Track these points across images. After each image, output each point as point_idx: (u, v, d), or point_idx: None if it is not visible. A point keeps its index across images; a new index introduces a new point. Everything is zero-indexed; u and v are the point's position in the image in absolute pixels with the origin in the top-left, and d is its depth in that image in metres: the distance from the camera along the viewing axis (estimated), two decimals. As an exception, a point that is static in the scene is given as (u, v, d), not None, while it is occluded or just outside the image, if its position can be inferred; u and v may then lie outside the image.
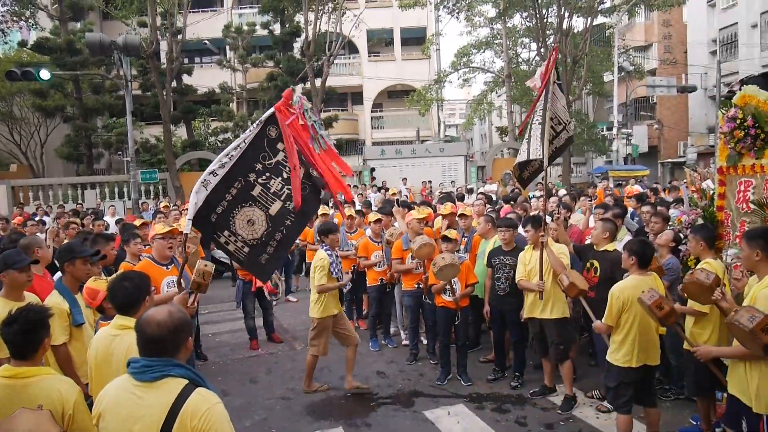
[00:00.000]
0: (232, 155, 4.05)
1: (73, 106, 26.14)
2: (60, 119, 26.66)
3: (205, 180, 4.01)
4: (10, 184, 20.31)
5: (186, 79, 27.47)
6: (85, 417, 2.78)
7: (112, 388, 2.35)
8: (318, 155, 4.10)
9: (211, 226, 4.13)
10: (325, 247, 6.22)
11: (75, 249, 4.25)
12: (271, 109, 4.06)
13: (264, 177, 4.13)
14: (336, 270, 6.11)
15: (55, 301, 3.88)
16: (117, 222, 11.50)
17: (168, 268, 5.19)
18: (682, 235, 5.67)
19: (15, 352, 2.78)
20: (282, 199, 4.15)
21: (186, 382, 2.26)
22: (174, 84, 24.85)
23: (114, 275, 3.80)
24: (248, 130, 4.14)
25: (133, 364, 2.29)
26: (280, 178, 4.14)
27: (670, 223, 6.28)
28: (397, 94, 36.94)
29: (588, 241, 6.55)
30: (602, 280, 5.38)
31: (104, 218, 12.13)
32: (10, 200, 19.73)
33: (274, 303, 10.18)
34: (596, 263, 5.64)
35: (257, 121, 4.12)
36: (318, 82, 21.56)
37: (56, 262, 4.31)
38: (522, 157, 6.52)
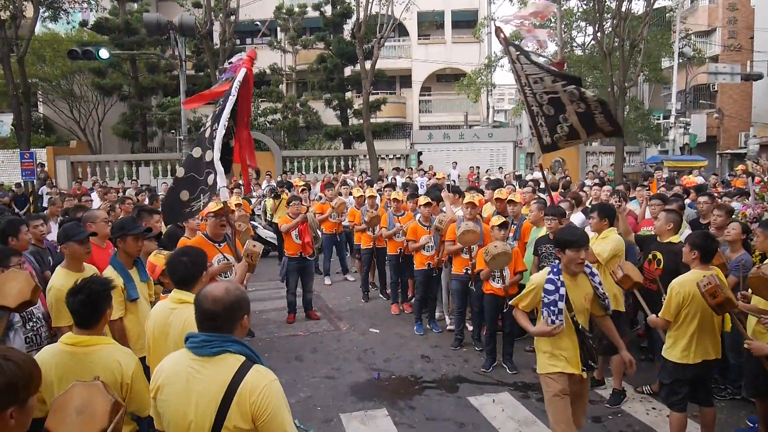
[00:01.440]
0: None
1: (130, 85, 26.90)
2: (117, 98, 27.49)
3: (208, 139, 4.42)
4: (69, 159, 21.09)
5: (238, 59, 27.76)
6: (142, 387, 2.86)
7: (170, 362, 2.38)
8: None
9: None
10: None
11: (126, 226, 4.35)
12: (244, 70, 4.66)
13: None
14: None
15: (109, 276, 3.99)
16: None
17: (220, 245, 5.28)
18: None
19: (79, 321, 2.88)
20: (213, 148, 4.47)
21: (243, 358, 2.28)
22: (226, 64, 25.13)
23: (173, 251, 3.87)
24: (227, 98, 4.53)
25: (191, 338, 2.32)
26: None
27: (733, 216, 6.02)
28: (446, 78, 36.55)
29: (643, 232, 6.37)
30: (666, 273, 5.15)
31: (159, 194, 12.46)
32: (69, 175, 20.50)
33: (328, 282, 10.36)
34: (659, 255, 5.43)
35: (234, 86, 4.56)
36: (368, 64, 21.49)
37: (111, 237, 4.43)
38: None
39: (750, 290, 4.22)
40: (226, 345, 2.27)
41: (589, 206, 7.27)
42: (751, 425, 4.89)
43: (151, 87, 27.82)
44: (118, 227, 4.32)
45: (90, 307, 2.85)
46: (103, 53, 16.32)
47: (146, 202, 10.10)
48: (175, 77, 23.76)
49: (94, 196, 12.94)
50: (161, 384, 2.32)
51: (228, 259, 5.31)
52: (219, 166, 4.34)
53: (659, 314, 4.32)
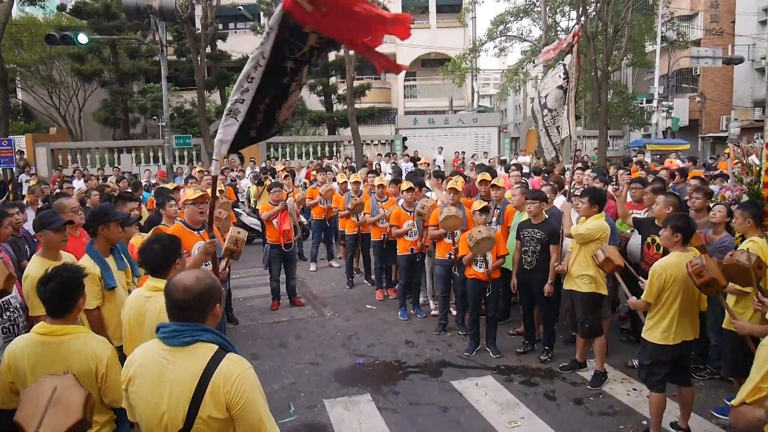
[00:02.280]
0: (252, 77, 3.54)
1: (110, 71, 26.52)
2: (97, 84, 27.09)
3: (232, 110, 3.52)
4: (49, 146, 20.76)
5: (220, 45, 27.51)
6: (117, 376, 2.82)
7: (141, 353, 2.33)
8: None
9: (251, 139, 3.80)
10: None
11: (110, 212, 4.27)
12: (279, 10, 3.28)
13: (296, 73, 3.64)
14: None
15: (86, 265, 3.91)
16: (152, 186, 11.66)
17: (199, 233, 5.23)
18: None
19: (50, 310, 2.83)
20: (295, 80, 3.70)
21: (216, 347, 2.25)
22: (208, 50, 24.89)
23: (146, 238, 3.82)
24: (260, 45, 3.49)
25: (162, 329, 2.27)
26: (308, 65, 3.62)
27: (712, 199, 6.07)
28: (431, 63, 36.41)
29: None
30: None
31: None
32: (49, 162, 20.20)
33: (312, 269, 10.33)
34: (659, 239, 5.45)
35: (267, 31, 3.42)
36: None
37: (86, 225, 4.33)
38: (557, 135, 6.53)
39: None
40: (197, 334, 2.23)
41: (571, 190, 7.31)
42: (730, 404, 4.95)
43: (132, 73, 27.44)
44: (102, 213, 4.22)
45: (61, 295, 2.79)
46: (82, 38, 16.03)
47: (128, 189, 9.99)
48: (156, 62, 23.38)
49: (78, 183, 12.78)
50: (132, 375, 2.28)
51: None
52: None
53: (641, 296, 4.35)
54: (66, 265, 3.01)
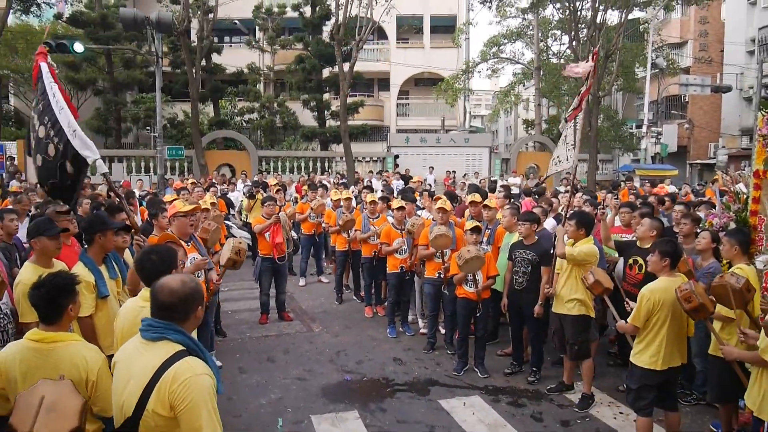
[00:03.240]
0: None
1: (105, 80, 26.49)
2: (91, 92, 27.03)
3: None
4: (39, 154, 20.64)
5: (215, 58, 27.59)
6: (108, 385, 2.81)
7: (125, 346, 2.50)
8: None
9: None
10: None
11: (107, 220, 4.29)
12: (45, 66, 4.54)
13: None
14: None
15: (81, 273, 3.88)
16: (144, 196, 11.62)
17: (188, 245, 5.23)
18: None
19: (42, 316, 2.84)
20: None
21: (179, 347, 2.34)
22: (203, 62, 24.97)
23: (143, 249, 3.82)
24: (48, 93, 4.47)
25: (143, 321, 2.42)
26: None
27: (700, 225, 6.16)
28: (423, 82, 36.71)
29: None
30: (648, 278, 5.16)
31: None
32: (39, 170, 20.06)
33: (302, 284, 10.30)
34: (641, 260, 5.52)
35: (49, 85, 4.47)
36: (346, 66, 21.48)
37: (83, 232, 4.33)
38: (564, 165, 6.65)
39: (713, 298, 4.32)
40: (166, 332, 2.35)
41: (562, 212, 7.39)
42: (715, 430, 5.00)
43: (126, 83, 27.43)
44: (99, 221, 4.23)
45: (51, 302, 2.80)
46: (78, 47, 16.02)
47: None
48: (150, 73, 23.39)
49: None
50: (115, 360, 2.47)
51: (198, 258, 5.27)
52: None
53: (628, 320, 4.40)
54: (60, 271, 3.02)
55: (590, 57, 6.47)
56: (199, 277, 4.96)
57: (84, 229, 4.27)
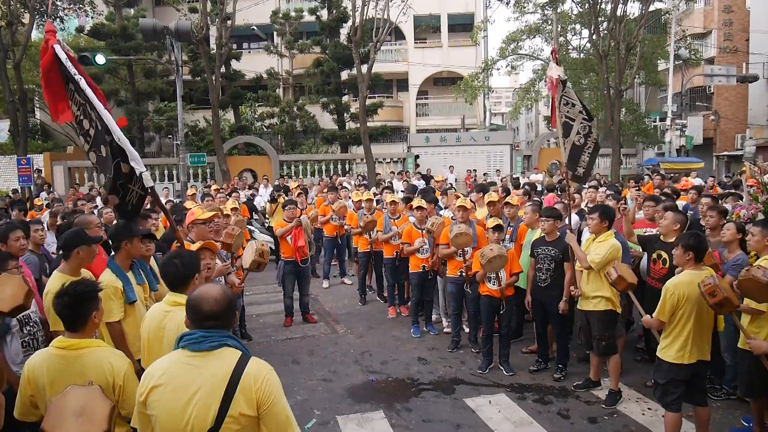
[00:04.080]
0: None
1: (127, 91, 26.96)
2: (114, 103, 27.49)
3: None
4: (66, 165, 21.10)
5: (234, 64, 27.90)
6: (135, 389, 2.87)
7: (165, 363, 2.40)
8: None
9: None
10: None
11: (133, 228, 4.37)
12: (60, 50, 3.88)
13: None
14: None
15: (108, 279, 3.99)
16: (166, 203, 11.78)
17: (207, 251, 5.29)
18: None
19: (66, 323, 2.89)
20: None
21: (240, 352, 2.39)
22: (223, 69, 25.27)
23: (166, 254, 3.89)
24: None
25: (187, 337, 2.37)
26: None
27: (727, 217, 6.05)
28: (442, 81, 36.62)
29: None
30: (672, 272, 5.10)
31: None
32: (66, 180, 20.50)
33: (325, 286, 10.37)
34: (665, 255, 5.45)
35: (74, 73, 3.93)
36: (364, 68, 21.55)
37: (110, 240, 4.41)
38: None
39: (741, 292, 4.24)
40: (224, 339, 2.37)
41: (585, 208, 7.31)
42: (746, 424, 4.91)
43: (147, 92, 27.89)
44: (127, 229, 4.31)
45: (74, 309, 2.85)
46: (100, 59, 16.34)
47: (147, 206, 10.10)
48: (171, 82, 23.74)
49: (98, 201, 12.95)
50: (155, 385, 2.34)
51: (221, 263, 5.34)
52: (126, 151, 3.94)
53: (653, 315, 4.34)
54: (82, 279, 3.08)
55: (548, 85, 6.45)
56: (219, 281, 5.02)
57: (111, 236, 4.35)
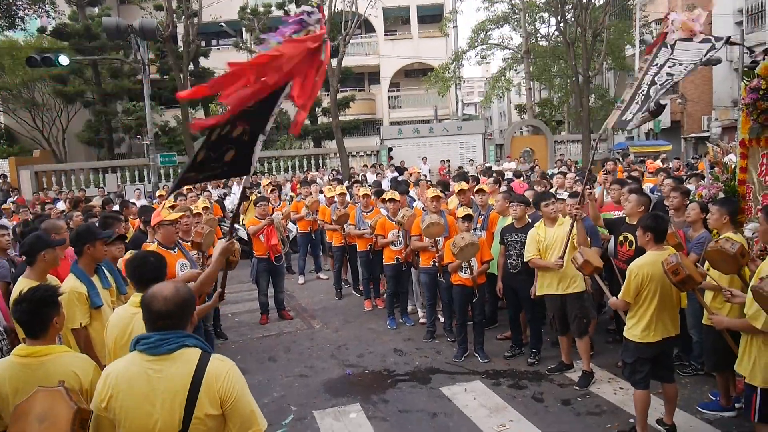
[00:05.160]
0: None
1: (93, 92, 26.42)
2: (80, 105, 26.98)
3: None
4: (33, 169, 20.66)
5: (203, 61, 27.55)
6: None
7: (120, 367, 2.38)
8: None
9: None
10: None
11: (96, 231, 4.30)
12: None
13: None
14: None
15: (72, 285, 3.92)
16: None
17: (174, 252, 5.24)
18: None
19: (26, 330, 2.82)
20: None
21: (200, 350, 2.37)
22: (191, 67, 24.93)
23: (136, 252, 3.85)
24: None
25: (144, 340, 2.34)
26: None
27: (690, 197, 6.17)
28: (414, 73, 36.64)
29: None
30: (638, 254, 5.19)
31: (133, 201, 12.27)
32: (33, 185, 20.09)
33: (301, 281, 10.34)
34: (630, 237, 5.54)
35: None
36: (334, 62, 21.43)
37: (72, 244, 4.34)
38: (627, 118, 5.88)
39: (707, 265, 4.35)
40: (182, 340, 2.35)
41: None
42: (714, 398, 5.04)
43: (115, 92, 27.35)
44: (88, 232, 4.23)
45: (33, 315, 2.77)
46: (63, 59, 15.98)
47: (115, 209, 9.98)
48: (139, 81, 23.33)
49: (61, 205, 12.70)
50: (114, 391, 2.32)
51: (189, 265, 5.30)
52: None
53: (618, 296, 4.42)
54: (40, 284, 3.01)
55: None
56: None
57: (72, 240, 4.27)
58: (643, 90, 5.54)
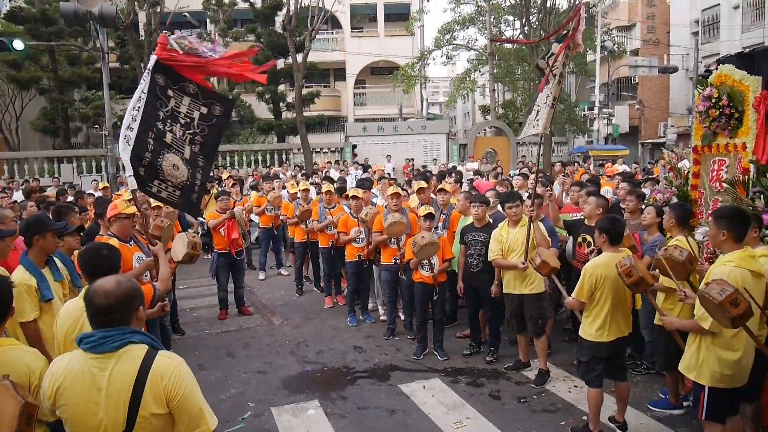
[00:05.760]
0: (138, 107, 4.04)
1: (49, 78, 25.57)
2: (35, 92, 26.07)
3: (125, 136, 3.98)
4: (-16, 157, 19.91)
5: (165, 52, 26.93)
6: None
7: (63, 365, 2.31)
8: (217, 59, 4.19)
9: (140, 178, 4.13)
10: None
11: (46, 221, 4.15)
12: (153, 57, 4.09)
13: (168, 124, 4.21)
14: None
15: (21, 277, 3.77)
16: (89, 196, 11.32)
17: (130, 245, 5.13)
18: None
19: None
20: (188, 142, 4.31)
21: (146, 347, 2.29)
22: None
23: (88, 244, 3.74)
24: (142, 80, 4.13)
25: (87, 339, 2.26)
26: (178, 125, 4.26)
27: (645, 201, 6.34)
28: (380, 71, 36.64)
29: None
30: (597, 255, 5.35)
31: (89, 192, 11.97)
32: (-16, 174, 19.36)
33: (261, 277, 10.24)
34: (589, 238, 5.66)
35: (146, 70, 4.14)
36: (299, 57, 21.28)
37: (22, 235, 4.19)
38: (530, 129, 6.05)
39: (657, 270, 4.48)
40: (126, 337, 2.26)
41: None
42: (663, 396, 5.19)
43: (72, 80, 26.52)
44: (38, 222, 4.09)
45: None
46: (18, 44, 15.38)
47: (70, 199, 9.70)
48: (98, 70, 22.72)
49: (17, 195, 12.27)
50: (59, 389, 2.26)
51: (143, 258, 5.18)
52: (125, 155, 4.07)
53: (572, 295, 4.52)
54: None
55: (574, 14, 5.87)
56: (145, 278, 4.87)
57: (22, 230, 4.12)
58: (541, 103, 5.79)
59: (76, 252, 4.56)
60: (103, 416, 2.21)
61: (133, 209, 5.04)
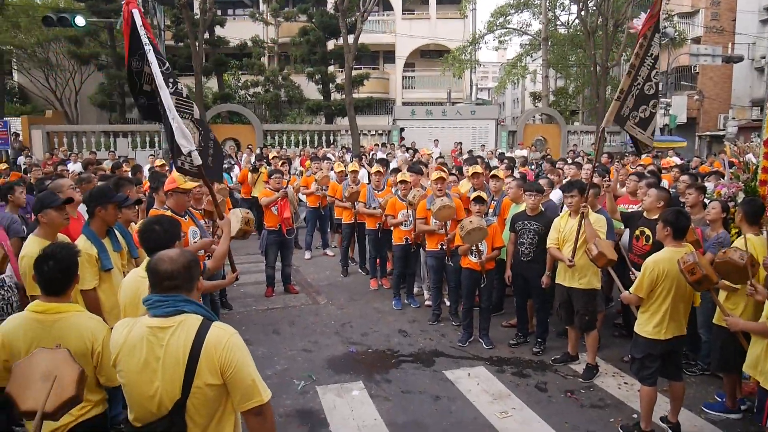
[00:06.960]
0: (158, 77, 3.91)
1: (107, 55, 26.28)
2: (94, 67, 26.86)
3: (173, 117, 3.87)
4: (45, 129, 20.63)
5: (218, 30, 27.33)
6: None
7: (124, 332, 2.36)
8: None
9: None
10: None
11: (108, 193, 4.26)
12: (135, 12, 3.98)
13: (171, 85, 4.02)
14: None
15: (83, 246, 3.87)
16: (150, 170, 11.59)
17: (185, 219, 5.22)
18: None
19: (49, 288, 2.82)
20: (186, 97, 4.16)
21: (201, 318, 2.33)
22: (206, 35, 24.74)
23: (145, 219, 3.81)
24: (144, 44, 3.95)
25: (145, 301, 2.34)
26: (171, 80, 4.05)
27: (707, 195, 6.09)
28: (429, 54, 36.29)
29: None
30: (655, 248, 5.00)
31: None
32: (45, 145, 20.08)
33: (307, 257, 10.33)
34: (648, 231, 5.47)
35: (140, 28, 3.98)
36: (351, 38, 21.21)
37: (85, 205, 4.31)
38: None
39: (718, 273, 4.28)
40: (180, 305, 2.30)
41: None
42: (720, 399, 5.01)
43: (129, 57, 27.20)
44: (100, 194, 4.19)
45: (62, 273, 2.80)
46: (79, 20, 15.86)
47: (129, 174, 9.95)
48: (154, 47, 23.23)
49: (73, 166, 12.68)
50: (118, 356, 2.34)
51: (200, 233, 5.26)
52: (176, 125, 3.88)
53: (631, 290, 4.37)
54: (61, 243, 3.01)
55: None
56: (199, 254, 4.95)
57: (85, 201, 4.24)
58: (639, 83, 5.47)
59: (133, 224, 4.68)
60: (159, 384, 2.26)
61: (191, 184, 5.13)
